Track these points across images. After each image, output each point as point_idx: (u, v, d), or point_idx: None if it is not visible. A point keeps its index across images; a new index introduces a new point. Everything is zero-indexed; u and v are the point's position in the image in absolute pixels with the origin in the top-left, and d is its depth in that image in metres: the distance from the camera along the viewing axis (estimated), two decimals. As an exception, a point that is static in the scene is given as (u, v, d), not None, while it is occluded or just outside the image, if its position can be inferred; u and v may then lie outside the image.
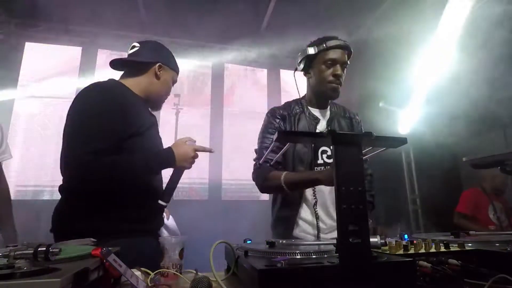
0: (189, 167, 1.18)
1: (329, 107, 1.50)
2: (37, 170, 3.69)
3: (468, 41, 2.77)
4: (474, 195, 2.83)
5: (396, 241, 0.78)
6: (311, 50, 1.38)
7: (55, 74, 3.83)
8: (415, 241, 0.79)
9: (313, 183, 1.25)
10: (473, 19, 2.80)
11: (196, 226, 2.87)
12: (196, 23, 3.53)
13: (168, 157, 1.14)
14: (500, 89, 2.57)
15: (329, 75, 1.36)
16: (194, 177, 4.07)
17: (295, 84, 1.47)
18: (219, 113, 4.33)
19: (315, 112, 1.47)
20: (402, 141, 0.70)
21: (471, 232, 1.06)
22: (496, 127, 3.31)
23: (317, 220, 1.31)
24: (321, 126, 1.44)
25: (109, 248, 0.65)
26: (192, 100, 4.37)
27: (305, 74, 1.47)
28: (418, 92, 3.50)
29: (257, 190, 1.40)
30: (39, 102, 3.85)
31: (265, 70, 4.66)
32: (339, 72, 1.36)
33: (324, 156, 1.38)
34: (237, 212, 3.68)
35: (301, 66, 1.44)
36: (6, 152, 1.67)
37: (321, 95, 1.44)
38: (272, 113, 1.46)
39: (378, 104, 3.78)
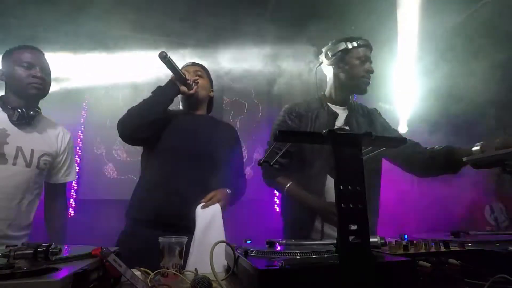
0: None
1: (348, 104, 1.51)
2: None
3: (465, 42, 2.77)
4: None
5: (396, 241, 0.78)
6: (349, 45, 1.41)
7: (54, 74, 3.82)
8: (415, 241, 0.79)
9: (310, 209, 1.32)
10: (472, 20, 2.80)
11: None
12: (196, 22, 3.52)
13: (166, 84, 1.41)
14: (502, 89, 2.57)
15: (362, 70, 1.41)
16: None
17: (314, 80, 1.51)
18: (219, 113, 4.32)
19: (334, 108, 1.48)
20: (402, 141, 0.70)
21: (471, 232, 1.06)
22: (496, 127, 3.31)
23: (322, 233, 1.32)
24: (339, 122, 1.44)
25: (109, 248, 0.65)
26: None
27: (333, 68, 1.48)
28: (417, 91, 3.50)
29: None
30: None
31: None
32: (372, 69, 1.42)
33: None
34: (238, 212, 3.67)
35: (331, 59, 1.46)
36: (71, 172, 1.54)
37: (350, 89, 1.47)
38: (288, 111, 1.47)
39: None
